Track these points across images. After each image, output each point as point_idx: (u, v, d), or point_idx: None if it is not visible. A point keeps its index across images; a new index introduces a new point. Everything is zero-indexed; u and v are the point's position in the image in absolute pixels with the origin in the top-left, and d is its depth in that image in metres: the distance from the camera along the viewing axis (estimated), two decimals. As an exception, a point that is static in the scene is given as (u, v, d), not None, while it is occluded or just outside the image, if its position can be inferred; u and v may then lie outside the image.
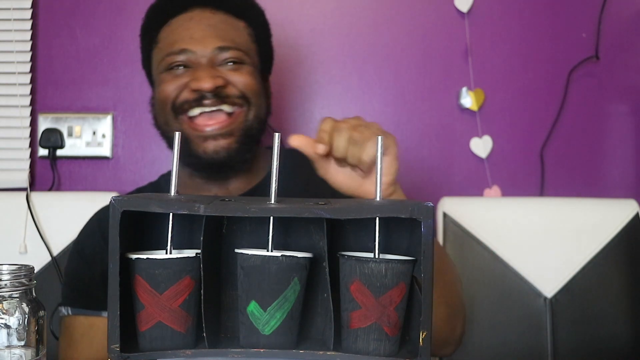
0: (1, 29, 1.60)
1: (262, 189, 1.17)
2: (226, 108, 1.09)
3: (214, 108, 1.09)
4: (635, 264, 1.38)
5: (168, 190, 0.63)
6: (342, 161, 0.90)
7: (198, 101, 1.09)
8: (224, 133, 1.09)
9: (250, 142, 1.13)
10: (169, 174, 0.66)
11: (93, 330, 1.09)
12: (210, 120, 1.09)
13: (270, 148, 1.16)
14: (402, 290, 0.60)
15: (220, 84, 1.09)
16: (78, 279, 1.14)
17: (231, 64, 1.12)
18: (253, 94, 1.13)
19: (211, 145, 1.09)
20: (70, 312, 1.13)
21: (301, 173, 1.09)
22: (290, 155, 1.05)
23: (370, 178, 0.91)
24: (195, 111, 1.09)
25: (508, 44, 1.64)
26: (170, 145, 1.13)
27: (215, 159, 1.09)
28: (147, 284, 0.60)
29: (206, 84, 1.07)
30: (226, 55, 1.11)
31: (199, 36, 1.12)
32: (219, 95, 1.09)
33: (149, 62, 1.20)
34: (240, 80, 1.11)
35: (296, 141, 0.89)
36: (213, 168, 1.11)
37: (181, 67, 1.12)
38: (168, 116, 1.12)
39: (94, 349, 1.08)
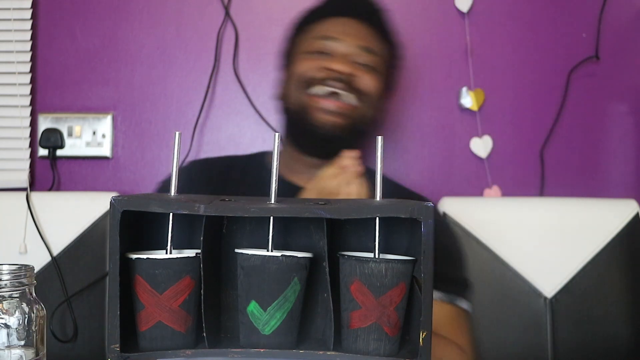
0: (1, 29, 1.59)
1: None
2: (347, 97, 1.20)
3: (338, 90, 1.20)
4: (635, 264, 1.37)
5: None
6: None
7: (326, 81, 1.20)
8: (340, 112, 1.20)
9: (356, 136, 1.23)
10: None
11: None
12: (332, 101, 1.20)
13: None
14: (402, 290, 0.60)
15: (353, 72, 1.20)
16: None
17: (364, 66, 1.23)
18: (374, 97, 1.24)
19: (326, 119, 1.19)
20: None
21: None
22: None
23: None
24: (320, 89, 1.20)
25: (508, 44, 1.64)
26: (287, 120, 1.27)
27: (326, 131, 1.20)
28: (147, 284, 0.60)
29: (342, 67, 1.19)
30: (364, 57, 1.23)
31: (348, 32, 1.25)
32: (348, 82, 1.20)
33: (291, 48, 1.31)
34: (369, 80, 1.23)
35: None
36: (320, 139, 1.21)
37: (319, 54, 1.23)
38: (294, 88, 1.23)
39: None
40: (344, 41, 1.23)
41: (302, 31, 1.30)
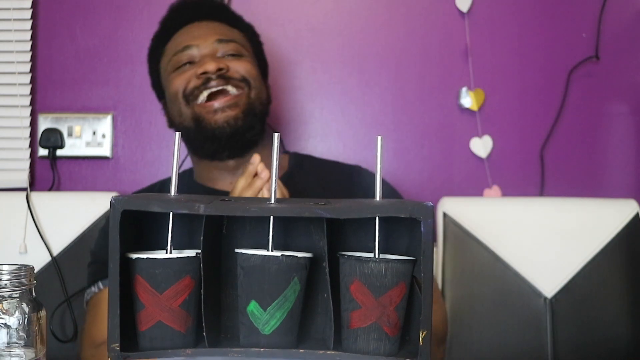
0: (1, 29, 1.60)
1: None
2: (230, 89, 1.24)
3: (219, 87, 1.23)
4: (635, 264, 1.38)
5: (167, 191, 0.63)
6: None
7: (205, 85, 1.23)
8: (230, 105, 1.23)
9: (255, 120, 1.26)
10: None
11: None
12: (217, 99, 1.23)
13: (284, 153, 1.31)
14: (402, 290, 0.60)
15: (223, 67, 1.24)
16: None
17: (231, 56, 1.27)
18: (253, 78, 1.27)
19: (221, 117, 1.22)
20: (101, 286, 1.21)
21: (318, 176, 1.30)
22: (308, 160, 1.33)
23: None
24: (204, 94, 1.23)
25: (508, 44, 1.64)
26: (188, 139, 1.28)
27: (226, 128, 1.22)
28: (147, 284, 0.60)
29: (210, 66, 1.22)
30: (226, 47, 1.28)
31: (201, 34, 1.29)
32: (223, 77, 1.24)
33: (158, 77, 1.34)
34: (241, 66, 1.27)
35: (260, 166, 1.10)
36: (226, 139, 1.24)
37: (187, 65, 1.27)
38: (180, 106, 1.26)
39: None
40: (201, 44, 1.27)
41: (160, 55, 1.33)
